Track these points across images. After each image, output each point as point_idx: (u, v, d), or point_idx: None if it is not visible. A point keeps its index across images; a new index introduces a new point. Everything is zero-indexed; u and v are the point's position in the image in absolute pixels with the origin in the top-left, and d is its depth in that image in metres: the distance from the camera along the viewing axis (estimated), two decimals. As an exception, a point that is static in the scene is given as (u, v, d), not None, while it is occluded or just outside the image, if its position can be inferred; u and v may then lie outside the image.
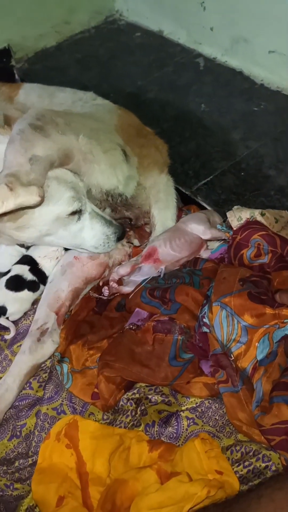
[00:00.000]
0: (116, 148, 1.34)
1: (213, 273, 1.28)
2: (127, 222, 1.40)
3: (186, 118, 1.82)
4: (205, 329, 1.15)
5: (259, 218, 1.30)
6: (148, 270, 1.32)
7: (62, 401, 1.19)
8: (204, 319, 1.16)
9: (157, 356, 1.18)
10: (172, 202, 1.45)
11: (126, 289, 1.33)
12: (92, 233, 1.25)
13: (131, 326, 1.25)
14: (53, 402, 1.19)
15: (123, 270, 1.33)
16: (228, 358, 1.12)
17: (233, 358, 1.11)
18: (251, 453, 1.01)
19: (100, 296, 1.38)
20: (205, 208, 1.51)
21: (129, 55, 2.20)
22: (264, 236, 1.23)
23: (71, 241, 1.26)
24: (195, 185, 1.57)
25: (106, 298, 1.35)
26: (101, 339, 1.31)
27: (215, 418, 1.10)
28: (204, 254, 1.36)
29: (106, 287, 1.35)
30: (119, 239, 1.30)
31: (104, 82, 2.06)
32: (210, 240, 1.35)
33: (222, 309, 1.13)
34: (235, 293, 1.13)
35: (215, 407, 1.11)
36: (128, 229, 1.42)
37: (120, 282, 1.36)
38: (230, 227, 1.32)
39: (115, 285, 1.33)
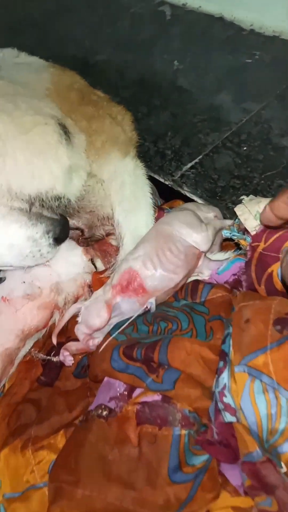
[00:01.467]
0: (47, 122, 0.83)
1: (226, 308, 0.78)
2: (77, 235, 0.89)
3: (154, 81, 1.32)
4: (227, 417, 0.65)
5: None
6: (129, 307, 0.81)
7: None
8: (224, 398, 0.66)
9: (147, 467, 0.68)
10: (144, 200, 0.94)
11: (96, 342, 0.84)
12: (7, 240, 0.77)
13: (100, 410, 0.75)
14: None
15: (95, 321, 0.83)
16: (276, 468, 0.62)
17: (284, 469, 0.61)
18: None
19: (49, 358, 0.87)
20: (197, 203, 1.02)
21: (71, 14, 1.69)
22: (307, 240, 0.74)
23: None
24: (178, 170, 1.07)
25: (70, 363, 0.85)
26: (54, 431, 0.81)
27: None
28: (206, 270, 0.86)
29: (65, 352, 0.84)
30: (57, 240, 0.83)
31: (41, 46, 1.53)
32: (206, 251, 0.85)
33: (252, 378, 0.64)
34: (272, 347, 0.64)
35: None
36: (82, 245, 0.92)
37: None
38: (244, 231, 0.83)
39: (75, 346, 0.83)
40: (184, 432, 0.68)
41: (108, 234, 0.94)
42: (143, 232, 0.90)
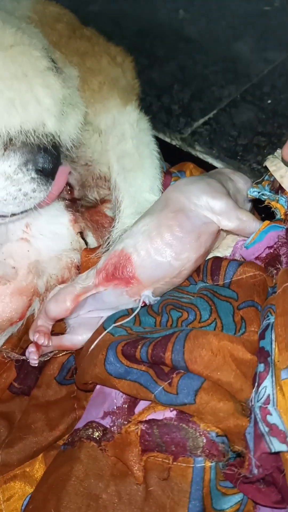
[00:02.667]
0: (33, 43, 0.63)
1: (261, 291, 0.58)
2: (66, 192, 0.69)
3: (156, 31, 1.12)
4: (275, 444, 0.45)
5: None
6: (114, 299, 0.61)
7: None
8: (268, 416, 0.46)
9: (158, 513, 0.48)
10: (149, 157, 0.74)
11: (69, 338, 0.64)
12: None
13: (90, 430, 0.55)
14: None
15: (51, 307, 0.63)
16: None
17: None
18: None
19: (24, 358, 0.67)
20: (212, 166, 0.82)
21: None
22: None
23: None
24: (188, 127, 0.88)
25: (34, 363, 0.65)
26: (29, 455, 0.61)
27: None
28: (227, 248, 0.66)
29: (31, 348, 0.64)
30: (43, 171, 0.61)
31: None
32: (232, 231, 0.64)
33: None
34: None
35: None
36: (70, 211, 0.71)
37: (60, 327, 0.66)
38: (278, 191, 0.63)
39: (43, 340, 0.63)
40: (209, 464, 0.48)
41: (103, 201, 0.74)
42: (146, 198, 0.70)
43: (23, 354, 0.68)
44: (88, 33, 0.81)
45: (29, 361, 0.66)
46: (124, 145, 0.72)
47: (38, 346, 0.64)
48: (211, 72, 0.98)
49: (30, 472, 0.61)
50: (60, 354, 0.67)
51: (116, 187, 0.69)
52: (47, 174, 0.62)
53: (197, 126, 0.87)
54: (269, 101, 0.88)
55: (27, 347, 0.69)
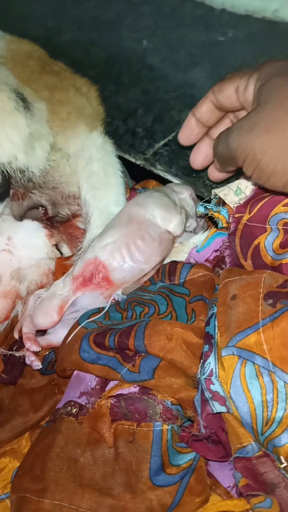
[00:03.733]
0: (1, 89, 0.74)
1: (209, 288, 0.70)
2: (41, 213, 0.79)
3: (122, 59, 1.24)
4: (216, 407, 0.56)
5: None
6: (90, 301, 0.72)
7: None
8: (212, 385, 0.57)
9: (126, 470, 0.59)
10: (114, 176, 0.85)
11: (55, 337, 0.74)
12: None
13: (69, 408, 0.65)
14: None
15: (40, 320, 0.73)
16: (275, 463, 0.54)
17: (284, 462, 0.53)
18: None
19: (11, 353, 0.77)
20: (171, 182, 0.93)
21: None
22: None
23: None
24: (150, 148, 0.99)
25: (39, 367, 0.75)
26: (17, 434, 0.71)
27: None
28: (184, 254, 0.78)
29: (31, 356, 0.73)
30: None
31: (-1, 26, 1.44)
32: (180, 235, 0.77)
33: (243, 361, 0.56)
34: (265, 324, 0.56)
35: None
36: (47, 227, 0.82)
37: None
38: (222, 205, 0.75)
39: (35, 347, 0.73)
40: (166, 427, 0.59)
41: (74, 216, 0.85)
42: (113, 211, 0.81)
43: (10, 349, 0.78)
44: (56, 68, 0.92)
45: (16, 356, 0.76)
46: (92, 166, 0.83)
47: (33, 352, 0.73)
48: (171, 97, 1.09)
49: (18, 448, 0.70)
50: (47, 352, 0.77)
51: (86, 203, 0.80)
52: None
53: (158, 147, 0.98)
54: (221, 124, 1.00)
55: (13, 343, 0.79)
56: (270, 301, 0.58)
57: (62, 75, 0.90)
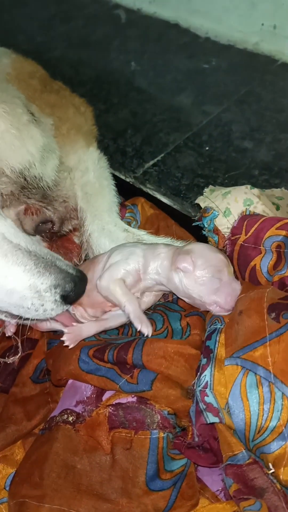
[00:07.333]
0: (15, 102, 0.77)
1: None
2: (48, 228, 0.82)
3: (111, 79, 1.28)
4: (210, 417, 0.60)
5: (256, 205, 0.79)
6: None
7: None
8: (206, 397, 0.61)
9: (122, 476, 0.62)
10: (107, 188, 0.89)
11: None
12: (7, 284, 0.66)
13: (65, 416, 0.68)
14: None
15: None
16: (263, 470, 0.58)
17: (272, 469, 0.57)
18: None
19: (4, 360, 0.79)
20: (160, 201, 0.98)
21: (20, 8, 1.62)
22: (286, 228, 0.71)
23: None
24: (140, 167, 1.04)
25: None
26: (10, 442, 0.73)
27: None
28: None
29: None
30: (66, 298, 0.68)
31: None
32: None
33: (245, 372, 0.60)
34: (272, 338, 0.60)
35: None
36: (46, 239, 0.85)
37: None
38: (215, 231, 0.80)
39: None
40: (162, 435, 0.62)
41: (72, 231, 0.88)
42: (105, 218, 0.86)
43: (2, 356, 0.80)
44: (56, 87, 0.96)
45: (9, 363, 0.78)
46: (87, 177, 0.87)
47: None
48: (159, 120, 1.15)
49: (10, 456, 0.72)
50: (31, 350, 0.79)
51: (81, 209, 0.84)
52: (67, 301, 0.69)
53: (147, 167, 1.03)
54: (207, 148, 1.06)
55: (5, 350, 0.81)
56: (273, 314, 0.62)
57: (61, 94, 0.93)
